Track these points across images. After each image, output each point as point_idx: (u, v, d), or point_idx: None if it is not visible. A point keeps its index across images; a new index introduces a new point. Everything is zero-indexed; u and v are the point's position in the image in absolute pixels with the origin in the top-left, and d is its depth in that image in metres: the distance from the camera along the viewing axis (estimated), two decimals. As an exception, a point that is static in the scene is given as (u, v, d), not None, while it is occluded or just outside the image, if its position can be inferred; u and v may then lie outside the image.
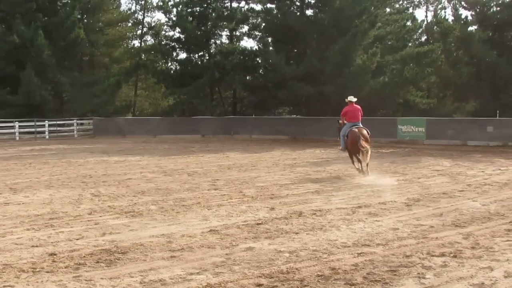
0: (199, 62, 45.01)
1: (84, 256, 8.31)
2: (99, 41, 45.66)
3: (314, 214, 11.30)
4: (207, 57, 44.88)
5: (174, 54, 46.75)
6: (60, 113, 42.17)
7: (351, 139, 17.30)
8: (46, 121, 39.40)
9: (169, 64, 48.36)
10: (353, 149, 17.42)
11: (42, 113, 40.09)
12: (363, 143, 16.93)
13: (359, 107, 18.08)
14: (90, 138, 38.99)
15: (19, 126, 38.15)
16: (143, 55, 49.62)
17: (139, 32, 53.23)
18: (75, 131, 40.75)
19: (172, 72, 46.89)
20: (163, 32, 48.38)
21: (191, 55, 45.45)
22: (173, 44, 45.88)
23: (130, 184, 16.02)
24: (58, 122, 40.46)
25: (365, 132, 17.46)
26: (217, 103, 47.33)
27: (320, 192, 14.15)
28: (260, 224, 10.42)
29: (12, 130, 38.14)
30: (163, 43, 46.39)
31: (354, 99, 18.10)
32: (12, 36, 40.12)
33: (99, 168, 20.37)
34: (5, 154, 27.12)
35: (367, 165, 17.23)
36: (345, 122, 18.11)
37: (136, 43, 53.88)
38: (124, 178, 17.24)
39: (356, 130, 17.34)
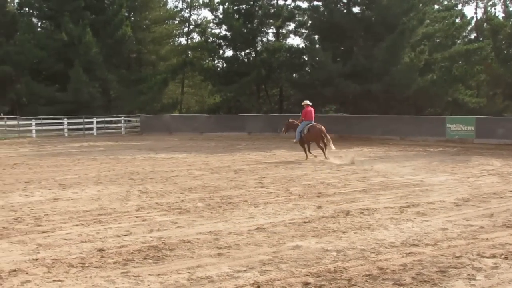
0: (246, 60, 45.23)
1: (132, 252, 8.37)
2: (146, 39, 46.05)
3: (362, 213, 11.20)
4: (254, 55, 45.04)
5: (221, 51, 47.19)
6: (108, 110, 42.64)
7: (315, 131, 21.93)
8: (94, 118, 39.98)
9: (216, 61, 48.80)
10: (317, 138, 21.96)
11: (90, 110, 40.58)
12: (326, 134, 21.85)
13: (313, 109, 22.83)
14: (137, 135, 39.40)
15: (67, 123, 38.81)
16: (189, 52, 49.96)
17: (185, 29, 53.59)
18: (122, 128, 41.29)
19: (218, 69, 47.24)
20: (210, 30, 48.73)
21: (238, 52, 45.65)
22: (219, 41, 46.22)
23: (177, 181, 16.11)
24: (106, 119, 40.92)
25: (323, 127, 21.99)
26: (263, 100, 47.43)
27: (368, 191, 14.03)
28: (307, 222, 10.37)
29: (61, 127, 38.81)
30: (209, 40, 46.81)
31: (310, 103, 22.83)
32: (61, 34, 40.91)
33: (147, 165, 20.55)
34: (55, 151, 27.58)
35: (326, 148, 21.80)
36: (300, 121, 22.67)
37: (183, 40, 54.31)
38: (171, 175, 17.34)
39: (317, 125, 22.03)
